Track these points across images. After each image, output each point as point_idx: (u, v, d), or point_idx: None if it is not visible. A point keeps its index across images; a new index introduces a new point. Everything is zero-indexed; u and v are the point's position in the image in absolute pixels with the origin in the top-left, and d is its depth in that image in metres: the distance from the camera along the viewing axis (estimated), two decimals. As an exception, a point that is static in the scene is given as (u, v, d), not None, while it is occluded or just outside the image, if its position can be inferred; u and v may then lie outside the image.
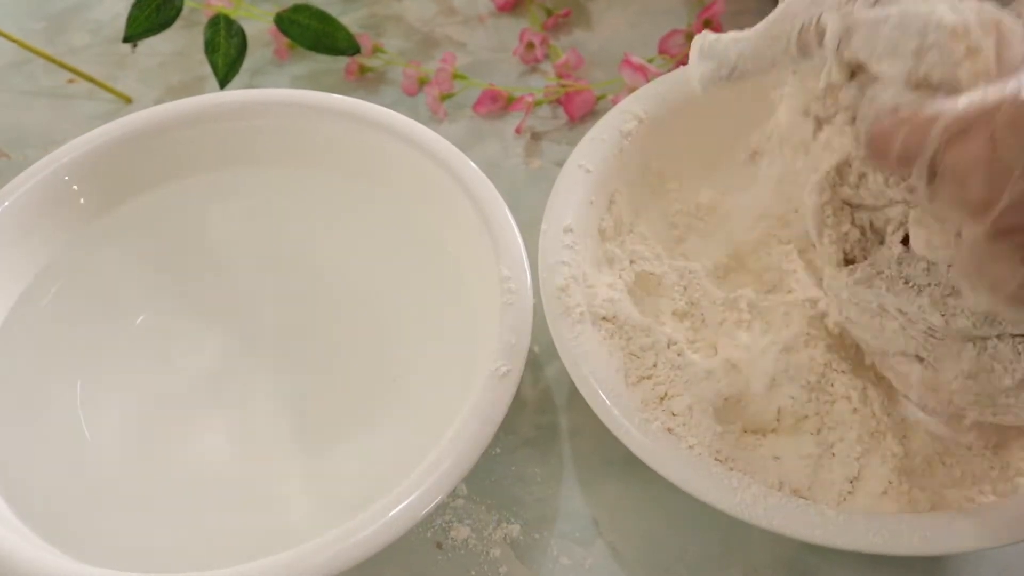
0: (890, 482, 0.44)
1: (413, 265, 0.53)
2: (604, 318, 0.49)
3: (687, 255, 0.53)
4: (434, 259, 0.52)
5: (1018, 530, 0.40)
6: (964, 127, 0.33)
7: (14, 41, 0.65)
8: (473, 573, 0.46)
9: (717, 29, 0.64)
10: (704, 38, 0.42)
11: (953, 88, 0.36)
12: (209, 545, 0.45)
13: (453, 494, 0.47)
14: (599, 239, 0.52)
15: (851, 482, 0.44)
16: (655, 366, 0.48)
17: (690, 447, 0.44)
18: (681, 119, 0.54)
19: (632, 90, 0.57)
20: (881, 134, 0.36)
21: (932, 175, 0.34)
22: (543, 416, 0.51)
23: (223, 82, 0.64)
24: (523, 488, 0.48)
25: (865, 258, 0.42)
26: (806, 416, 0.46)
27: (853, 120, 0.40)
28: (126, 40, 0.64)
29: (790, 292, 0.50)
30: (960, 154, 0.33)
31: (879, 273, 0.41)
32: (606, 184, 0.52)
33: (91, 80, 0.66)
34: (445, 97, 0.64)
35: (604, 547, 0.46)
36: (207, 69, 0.65)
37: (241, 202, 0.55)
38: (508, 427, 0.50)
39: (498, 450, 0.49)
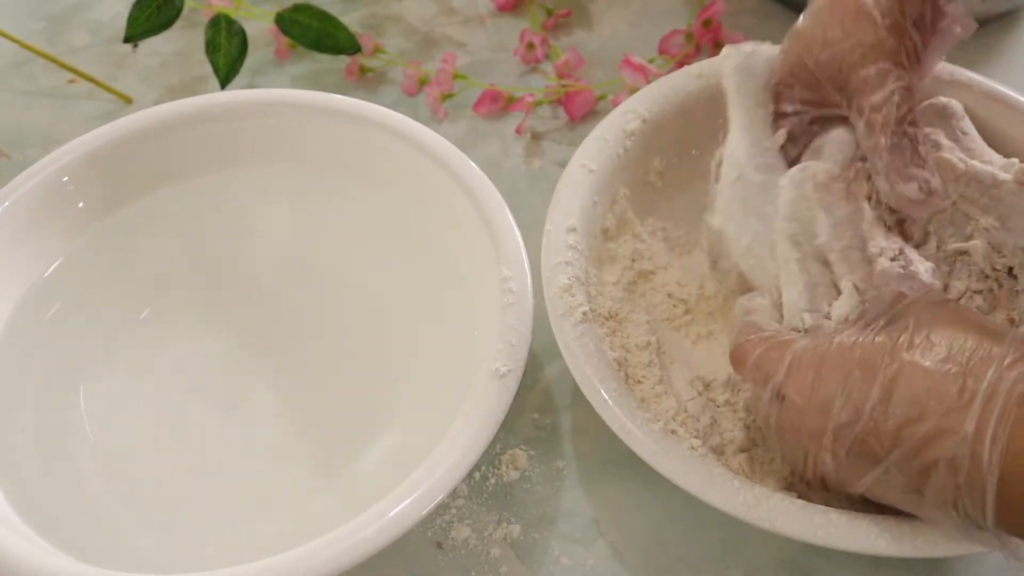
0: None
1: (413, 265, 0.53)
2: (606, 317, 0.49)
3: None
4: (434, 259, 0.52)
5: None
6: (800, 362, 0.40)
7: (14, 41, 0.65)
8: (473, 573, 0.46)
9: (717, 29, 0.64)
10: None
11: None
12: (210, 545, 0.45)
13: (453, 494, 0.47)
14: (602, 238, 0.52)
15: None
16: (655, 365, 0.48)
17: (692, 447, 0.44)
18: (684, 119, 0.54)
19: (632, 90, 0.57)
20: (742, 346, 0.42)
21: (779, 398, 0.40)
22: (543, 416, 0.51)
23: (224, 82, 0.64)
24: (523, 488, 0.48)
25: None
26: None
27: None
28: (127, 40, 0.64)
29: None
30: (796, 385, 0.39)
31: None
32: (609, 184, 0.52)
33: (91, 80, 0.66)
34: (445, 97, 0.64)
35: (605, 547, 0.46)
36: (208, 69, 0.65)
37: (241, 202, 0.55)
38: (508, 427, 0.50)
39: (498, 449, 0.49)
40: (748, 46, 0.47)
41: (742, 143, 0.45)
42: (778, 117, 0.46)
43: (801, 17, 0.45)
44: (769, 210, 0.44)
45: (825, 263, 0.43)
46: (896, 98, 0.43)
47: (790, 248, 0.43)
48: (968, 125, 0.50)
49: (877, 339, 0.39)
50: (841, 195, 0.43)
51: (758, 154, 0.45)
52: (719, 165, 0.47)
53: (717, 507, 0.41)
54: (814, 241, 0.43)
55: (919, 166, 0.42)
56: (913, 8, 0.43)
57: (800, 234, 0.43)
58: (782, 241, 0.43)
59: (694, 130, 0.55)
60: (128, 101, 0.66)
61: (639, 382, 0.47)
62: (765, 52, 0.47)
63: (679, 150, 0.55)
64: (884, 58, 0.43)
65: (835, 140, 0.45)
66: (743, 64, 0.46)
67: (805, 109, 0.45)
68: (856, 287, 0.42)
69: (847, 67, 0.43)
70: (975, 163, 0.47)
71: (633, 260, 0.52)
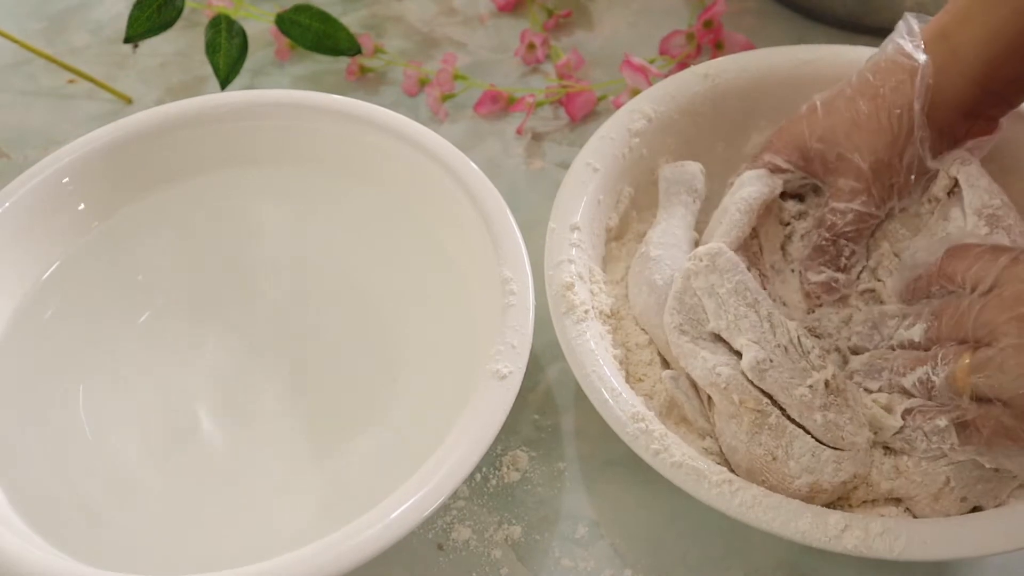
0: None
1: (414, 266, 0.53)
2: (608, 315, 0.49)
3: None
4: (435, 260, 0.52)
5: (1018, 537, 0.40)
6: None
7: (14, 41, 0.65)
8: (474, 574, 0.46)
9: (718, 30, 0.64)
10: None
11: None
12: (210, 546, 0.45)
13: (454, 495, 0.47)
14: (605, 237, 0.52)
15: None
16: (656, 364, 0.48)
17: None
18: (690, 119, 0.55)
19: (633, 91, 0.57)
20: (955, 252, 0.44)
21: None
22: (544, 417, 0.51)
23: (224, 83, 0.64)
24: (524, 489, 0.48)
25: None
26: None
27: None
28: (127, 41, 0.64)
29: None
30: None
31: None
32: (614, 183, 0.52)
33: (91, 80, 0.66)
34: (446, 98, 0.64)
35: (605, 548, 0.46)
36: (208, 69, 0.65)
37: (241, 202, 0.55)
38: (509, 428, 0.50)
39: (500, 451, 0.49)
40: (682, 164, 0.53)
41: (658, 228, 0.51)
42: (774, 169, 0.51)
43: (818, 101, 0.51)
44: (657, 279, 0.48)
45: (716, 339, 0.45)
46: (850, 216, 0.49)
47: (678, 336, 0.45)
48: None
49: None
50: (725, 268, 0.46)
51: (665, 237, 0.50)
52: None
53: (716, 508, 0.41)
54: (699, 328, 0.45)
55: (833, 269, 0.50)
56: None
57: (685, 323, 0.45)
58: (669, 333, 0.46)
59: (700, 130, 0.55)
60: (128, 101, 0.66)
61: (640, 380, 0.47)
62: (688, 166, 0.53)
63: (684, 150, 0.55)
64: (861, 181, 0.49)
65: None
66: (670, 175, 0.53)
67: (793, 169, 0.51)
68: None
69: (832, 165, 0.50)
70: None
71: (636, 259, 0.52)
